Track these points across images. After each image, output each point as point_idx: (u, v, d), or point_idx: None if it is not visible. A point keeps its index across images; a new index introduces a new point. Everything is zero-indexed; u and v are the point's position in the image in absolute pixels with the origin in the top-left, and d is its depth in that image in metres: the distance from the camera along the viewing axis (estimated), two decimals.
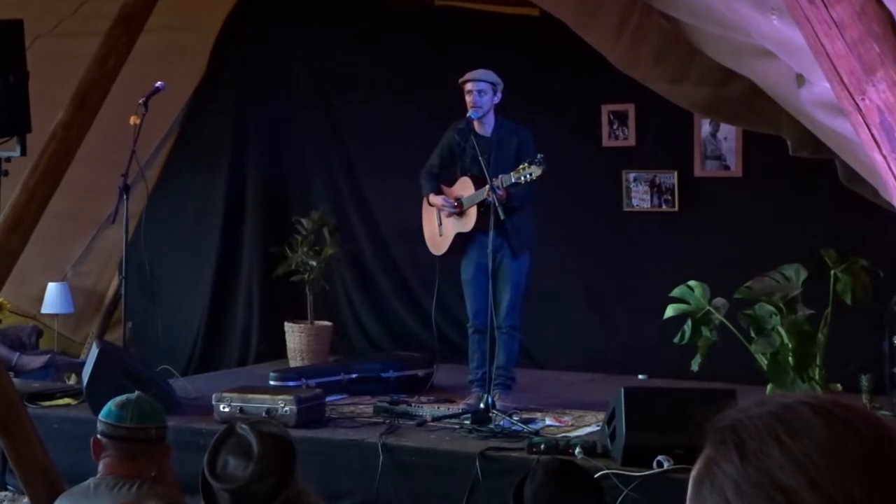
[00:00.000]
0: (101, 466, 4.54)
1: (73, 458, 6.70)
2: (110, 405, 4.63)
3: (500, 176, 7.99)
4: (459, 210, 8.44)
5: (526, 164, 7.85)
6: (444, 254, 8.68)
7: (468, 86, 8.36)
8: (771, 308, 7.39)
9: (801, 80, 4.21)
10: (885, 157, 2.92)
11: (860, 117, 2.94)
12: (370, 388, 8.92)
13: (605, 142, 10.18)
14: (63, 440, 7.44)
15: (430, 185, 8.66)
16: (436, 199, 8.58)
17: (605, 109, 10.13)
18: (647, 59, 6.44)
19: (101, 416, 4.60)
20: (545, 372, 9.98)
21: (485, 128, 8.38)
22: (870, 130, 2.93)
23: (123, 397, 4.65)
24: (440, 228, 8.67)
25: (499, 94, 8.37)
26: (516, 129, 8.41)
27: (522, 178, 7.85)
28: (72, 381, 10.39)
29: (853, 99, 2.94)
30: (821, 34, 2.93)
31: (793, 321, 7.31)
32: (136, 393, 4.72)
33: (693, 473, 1.45)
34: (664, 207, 9.96)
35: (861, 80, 2.91)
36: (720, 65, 6.02)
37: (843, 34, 2.91)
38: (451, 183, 8.62)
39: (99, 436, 4.55)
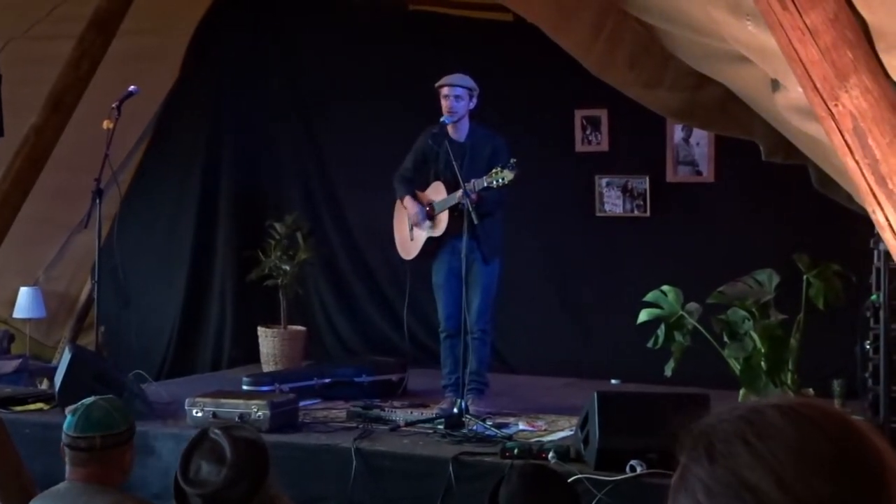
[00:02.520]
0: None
1: (46, 462, 6.66)
2: (67, 411, 4.63)
3: (472, 180, 8.00)
4: (431, 215, 8.44)
5: (499, 169, 7.86)
6: (414, 258, 8.68)
7: (444, 90, 8.36)
8: (744, 313, 7.42)
9: (776, 84, 4.22)
10: (857, 162, 2.94)
11: (833, 123, 2.96)
12: (344, 393, 8.90)
13: (578, 147, 10.20)
14: (35, 445, 7.40)
15: (404, 189, 8.66)
16: (410, 205, 8.58)
17: (578, 114, 10.14)
18: (621, 64, 6.45)
19: None
20: (519, 377, 9.98)
21: (459, 133, 8.39)
22: (843, 136, 2.95)
23: (79, 403, 4.63)
24: (411, 233, 8.67)
25: (474, 100, 8.38)
26: (491, 135, 8.41)
27: (495, 182, 7.86)
28: (44, 385, 10.34)
29: (826, 105, 2.95)
30: (794, 40, 2.95)
31: (765, 326, 7.34)
32: (94, 398, 4.68)
33: (672, 483, 1.47)
34: (637, 212, 9.98)
35: (834, 87, 2.93)
36: (694, 70, 6.04)
37: (817, 40, 2.92)
38: (424, 187, 8.62)
39: None
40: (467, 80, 8.37)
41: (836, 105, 2.94)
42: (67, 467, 4.53)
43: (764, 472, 1.38)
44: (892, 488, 1.40)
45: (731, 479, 1.39)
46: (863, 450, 1.41)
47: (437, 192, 8.46)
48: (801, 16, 2.91)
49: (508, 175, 7.81)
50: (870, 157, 2.92)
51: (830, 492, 1.36)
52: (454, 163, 8.07)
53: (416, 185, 8.66)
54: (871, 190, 2.98)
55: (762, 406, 1.45)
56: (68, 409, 4.65)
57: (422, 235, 8.55)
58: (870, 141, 2.91)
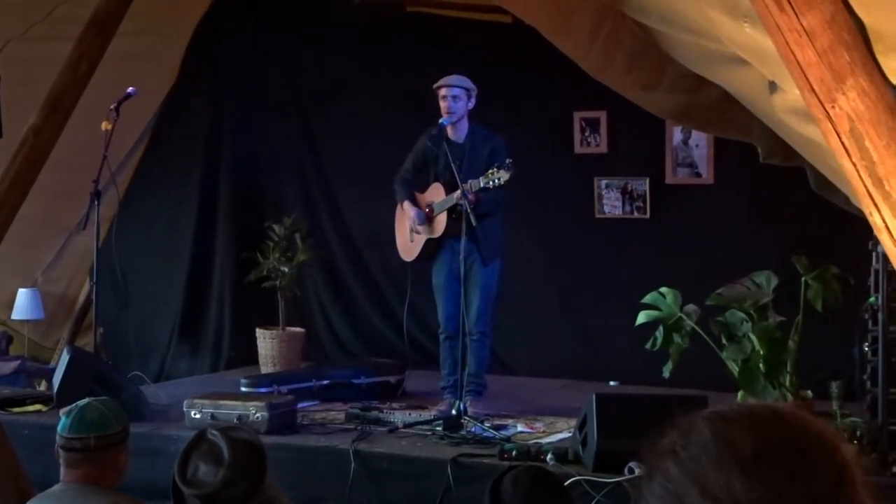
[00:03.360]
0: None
1: (44, 464, 6.63)
2: (62, 412, 4.64)
3: (469, 181, 8.00)
4: (430, 218, 8.45)
5: (495, 169, 7.86)
6: (415, 260, 8.69)
7: (442, 91, 8.36)
8: (742, 315, 7.41)
9: (773, 87, 4.22)
10: (854, 164, 2.94)
11: (830, 125, 2.96)
12: (342, 395, 8.90)
13: (578, 149, 10.19)
14: (33, 446, 7.38)
15: (403, 191, 8.66)
16: (408, 209, 8.58)
17: (577, 116, 10.14)
18: (619, 67, 6.45)
19: None
20: (517, 378, 9.97)
21: (458, 133, 8.39)
22: (840, 138, 2.95)
23: (73, 405, 4.63)
24: (411, 234, 8.67)
25: (473, 100, 8.38)
26: (489, 136, 8.41)
27: (491, 182, 7.86)
28: (42, 387, 10.34)
29: (823, 107, 2.95)
30: (791, 42, 2.95)
31: (764, 328, 7.34)
32: (88, 399, 4.68)
33: None
34: (636, 214, 9.97)
35: (831, 89, 2.93)
36: (692, 72, 6.04)
37: (814, 42, 2.92)
38: (425, 189, 8.62)
39: None
40: (465, 81, 8.37)
41: (833, 107, 2.94)
42: (62, 469, 4.53)
43: (686, 480, 1.43)
44: (826, 470, 1.43)
45: (662, 493, 1.45)
46: (791, 444, 1.44)
47: (436, 193, 8.46)
48: (798, 18, 2.91)
49: (504, 175, 7.81)
50: (867, 159, 2.92)
51: (745, 489, 1.39)
52: (452, 164, 8.07)
53: (416, 187, 8.65)
54: (868, 192, 2.98)
55: (696, 417, 1.50)
56: (62, 411, 4.66)
57: (421, 237, 8.56)
58: (867, 143, 2.92)
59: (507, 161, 7.85)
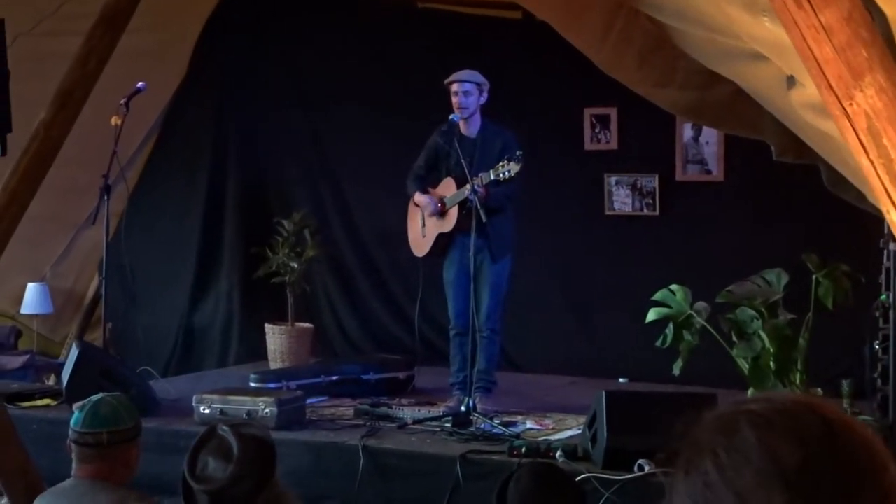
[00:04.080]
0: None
1: (53, 458, 6.64)
2: (75, 407, 4.65)
3: (479, 174, 7.99)
4: (443, 210, 8.43)
5: (505, 161, 7.85)
6: (426, 255, 8.67)
7: (454, 87, 8.34)
8: (752, 312, 7.39)
9: (791, 81, 4.21)
10: (871, 161, 2.92)
11: (847, 122, 2.94)
12: (351, 391, 8.89)
13: (588, 145, 10.18)
14: (42, 441, 7.39)
15: (415, 186, 8.66)
16: (420, 198, 8.58)
17: (588, 113, 10.13)
18: (631, 63, 6.44)
19: None
20: (526, 375, 9.96)
21: (470, 128, 8.37)
22: (857, 135, 2.93)
23: (86, 400, 4.65)
24: (423, 230, 8.66)
25: (485, 95, 8.36)
26: (501, 131, 8.39)
27: (501, 174, 7.85)
28: (51, 381, 10.35)
29: (840, 104, 2.94)
30: (809, 38, 2.93)
31: (774, 325, 7.32)
32: (101, 395, 4.70)
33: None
34: (646, 211, 9.96)
35: (849, 85, 2.91)
36: (704, 68, 6.02)
37: (832, 39, 2.91)
38: (437, 185, 8.60)
39: None
40: (477, 76, 8.35)
41: (850, 104, 2.92)
42: (74, 464, 4.54)
43: (726, 491, 1.39)
44: (872, 492, 1.38)
45: (698, 496, 1.41)
46: (838, 458, 1.39)
47: (447, 188, 8.45)
48: (815, 14, 2.90)
49: (515, 167, 7.79)
50: (884, 156, 2.91)
51: None
52: (463, 160, 8.05)
53: (428, 184, 8.64)
54: (886, 189, 2.96)
55: (739, 413, 1.44)
56: (76, 406, 4.67)
57: (433, 232, 8.54)
58: (884, 140, 2.90)
59: (518, 153, 7.83)
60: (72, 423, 4.58)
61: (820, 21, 2.89)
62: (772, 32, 3.50)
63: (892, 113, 2.87)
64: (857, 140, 2.93)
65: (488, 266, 8.26)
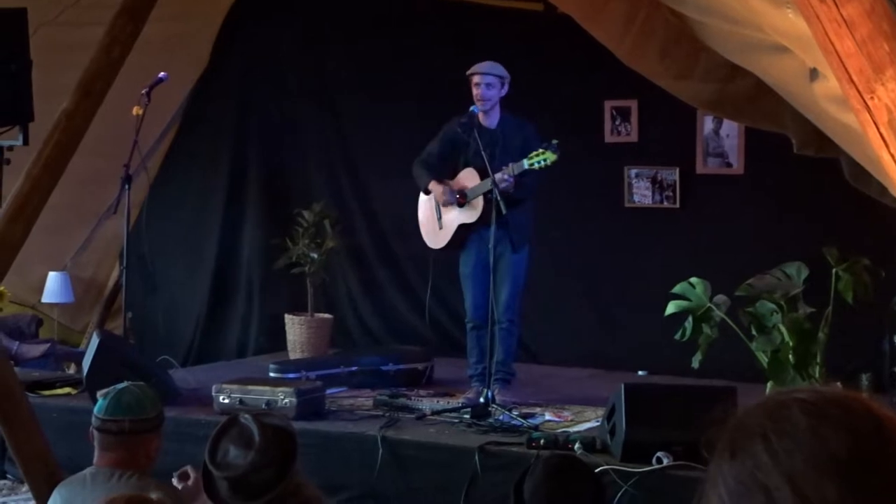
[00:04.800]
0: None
1: (73, 447, 6.68)
2: (99, 394, 4.68)
3: (510, 164, 7.95)
4: (462, 202, 8.38)
5: (541, 150, 7.83)
6: (444, 247, 8.63)
7: (475, 78, 8.31)
8: (772, 306, 7.38)
9: (814, 74, 4.20)
10: (892, 156, 2.92)
11: (869, 116, 2.94)
12: (370, 382, 8.91)
13: (608, 137, 10.17)
14: (62, 429, 7.43)
15: (427, 175, 8.54)
16: (436, 187, 8.49)
17: (608, 105, 10.12)
18: (653, 55, 6.43)
19: None
20: (545, 367, 9.97)
21: (490, 121, 8.34)
22: (878, 129, 2.93)
23: (111, 387, 4.67)
24: (440, 221, 8.61)
25: (506, 87, 8.33)
26: (522, 124, 8.37)
27: (536, 164, 7.82)
28: (71, 370, 10.40)
29: (862, 97, 2.93)
30: (830, 32, 2.93)
31: (794, 319, 7.31)
32: (125, 383, 4.73)
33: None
34: (665, 204, 9.95)
35: (870, 79, 2.91)
36: (726, 61, 6.02)
37: (853, 33, 2.90)
38: (451, 176, 8.54)
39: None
40: (498, 68, 8.33)
41: (871, 98, 2.92)
42: (96, 452, 4.57)
43: (778, 473, 1.38)
44: None
45: (746, 478, 1.40)
46: (887, 451, 1.39)
47: (469, 178, 8.36)
48: (837, 8, 2.89)
49: (551, 156, 7.78)
50: None
51: (837, 495, 1.35)
52: (484, 152, 8.02)
53: (440, 174, 8.57)
54: None
55: (789, 400, 1.44)
56: (100, 393, 4.70)
57: (452, 224, 8.49)
58: None
59: (554, 142, 7.81)
60: (95, 410, 4.61)
61: (842, 15, 2.89)
62: (795, 25, 3.50)
63: None
64: (877, 134, 2.93)
65: (508, 256, 8.25)
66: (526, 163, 7.87)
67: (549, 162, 7.79)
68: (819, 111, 4.89)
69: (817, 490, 1.36)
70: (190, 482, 4.61)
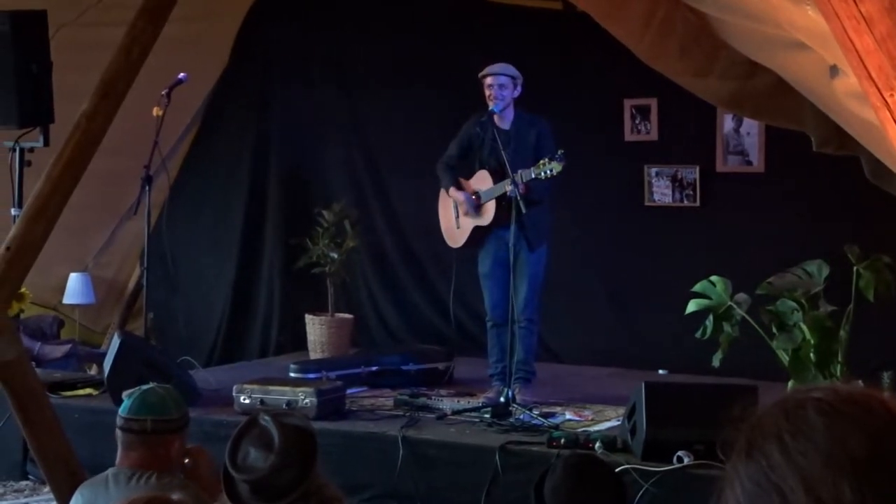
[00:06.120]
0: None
1: (94, 448, 6.72)
2: (125, 395, 4.70)
3: (519, 171, 7.99)
4: (478, 205, 8.43)
5: (546, 160, 7.86)
6: (462, 246, 8.68)
7: (488, 80, 8.35)
8: (793, 304, 7.36)
9: (834, 71, 4.18)
10: None
11: (888, 113, 2.92)
12: (390, 381, 8.91)
13: (628, 136, 10.16)
14: (84, 430, 7.46)
15: (449, 177, 8.65)
16: (456, 195, 8.57)
17: (628, 104, 10.10)
18: (672, 53, 6.41)
19: None
20: (565, 366, 9.96)
21: (504, 121, 8.38)
22: None
23: (136, 388, 4.69)
24: (457, 221, 8.66)
25: (519, 88, 8.36)
26: (534, 120, 8.40)
27: (543, 173, 7.86)
28: (93, 371, 10.41)
29: (881, 95, 2.92)
30: (849, 29, 2.92)
31: (815, 317, 7.29)
32: (151, 384, 4.75)
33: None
34: (686, 202, 9.93)
35: (889, 76, 2.89)
36: (745, 59, 6.00)
37: (872, 30, 2.89)
38: (469, 175, 8.60)
39: None
40: (510, 69, 8.37)
41: (891, 95, 2.90)
42: (119, 452, 4.57)
43: (792, 474, 1.37)
44: None
45: (762, 478, 1.40)
46: None
47: (482, 180, 8.45)
48: (856, 5, 2.88)
49: (557, 167, 7.80)
50: None
51: (853, 497, 1.34)
52: (502, 151, 8.06)
53: (460, 173, 8.64)
54: None
55: (805, 400, 1.43)
56: (125, 393, 4.72)
57: (468, 224, 8.54)
58: None
59: (560, 153, 7.84)
60: (120, 410, 4.63)
61: (860, 11, 2.88)
62: (815, 21, 3.48)
63: None
64: None
65: (526, 255, 8.26)
66: (533, 172, 7.91)
67: (554, 172, 7.83)
68: (839, 108, 4.87)
69: (832, 491, 1.35)
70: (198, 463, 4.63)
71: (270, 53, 11.51)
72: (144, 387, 4.70)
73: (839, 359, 7.33)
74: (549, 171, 7.82)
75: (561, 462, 4.60)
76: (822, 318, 7.29)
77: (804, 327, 7.29)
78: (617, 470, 6.04)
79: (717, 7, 5.31)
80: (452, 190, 8.57)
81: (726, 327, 7.50)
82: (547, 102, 9.09)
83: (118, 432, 4.58)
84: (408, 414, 7.83)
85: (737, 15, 5.06)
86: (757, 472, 1.40)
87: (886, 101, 2.91)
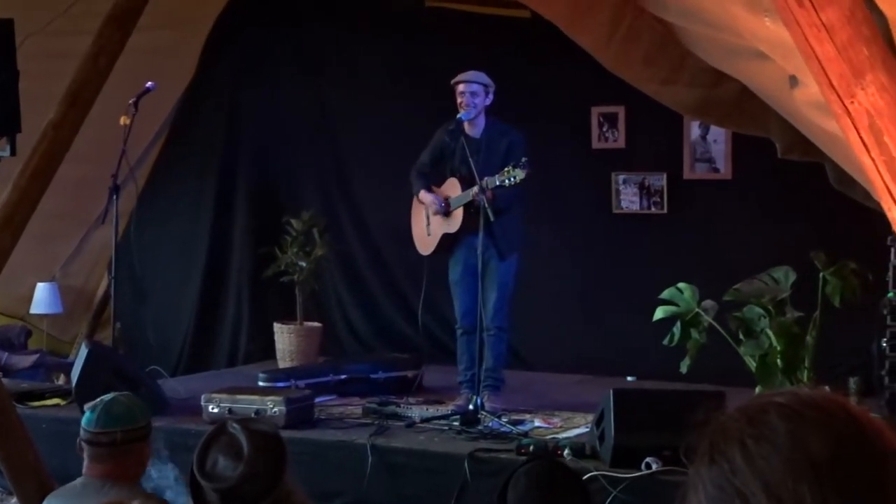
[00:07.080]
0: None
1: (63, 457, 6.67)
2: (86, 407, 4.66)
3: (485, 178, 7.99)
4: (447, 210, 8.44)
5: (510, 168, 7.86)
6: (432, 253, 8.69)
7: (460, 87, 8.36)
8: (760, 310, 7.40)
9: (794, 81, 4.22)
10: (873, 160, 2.93)
11: (849, 120, 2.95)
12: (359, 389, 8.91)
13: (595, 143, 10.18)
14: (52, 440, 7.42)
15: (420, 183, 8.66)
16: (425, 197, 8.58)
17: (595, 111, 10.13)
18: (637, 61, 6.45)
19: None
20: (534, 373, 9.97)
21: (475, 129, 8.39)
22: (858, 134, 2.94)
23: (98, 399, 4.66)
24: (428, 228, 8.67)
25: (490, 96, 8.37)
26: (507, 130, 8.40)
27: (507, 181, 7.86)
28: (61, 381, 10.38)
29: (842, 102, 2.95)
30: (810, 37, 2.94)
31: (781, 323, 7.33)
32: (112, 394, 4.71)
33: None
34: (653, 209, 9.97)
35: (850, 84, 2.92)
36: (711, 67, 6.04)
37: (833, 37, 2.92)
38: (440, 183, 8.61)
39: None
40: (482, 77, 8.37)
41: (852, 102, 2.93)
42: (86, 463, 4.54)
43: (754, 478, 1.38)
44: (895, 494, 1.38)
45: (724, 483, 1.40)
46: (863, 454, 1.39)
47: (452, 188, 8.46)
48: (816, 13, 2.91)
49: (520, 174, 7.80)
50: (886, 154, 2.92)
51: (813, 500, 1.35)
52: (470, 159, 8.07)
53: (432, 181, 8.66)
54: (887, 187, 2.97)
55: (768, 404, 1.44)
56: (87, 406, 4.68)
57: (438, 232, 8.55)
58: (885, 138, 2.91)
59: (523, 160, 7.84)
60: (83, 423, 4.57)
61: (821, 19, 2.90)
62: (773, 32, 3.51)
63: (893, 111, 2.87)
64: (858, 138, 2.94)
65: (496, 264, 8.27)
66: (497, 179, 7.91)
67: (517, 179, 7.82)
68: (801, 117, 4.91)
69: (793, 495, 1.35)
70: None
71: (239, 62, 11.49)
72: (106, 397, 4.65)
73: (806, 364, 7.37)
74: (512, 179, 7.83)
75: (520, 472, 4.58)
76: (789, 324, 7.33)
77: (771, 333, 7.33)
78: (585, 477, 6.06)
79: (679, 15, 5.35)
80: (423, 193, 8.58)
81: (694, 334, 7.53)
82: (515, 110, 9.11)
83: (84, 445, 4.54)
84: (377, 422, 7.82)
85: (698, 23, 5.10)
86: (719, 477, 1.40)
87: (847, 109, 2.94)
